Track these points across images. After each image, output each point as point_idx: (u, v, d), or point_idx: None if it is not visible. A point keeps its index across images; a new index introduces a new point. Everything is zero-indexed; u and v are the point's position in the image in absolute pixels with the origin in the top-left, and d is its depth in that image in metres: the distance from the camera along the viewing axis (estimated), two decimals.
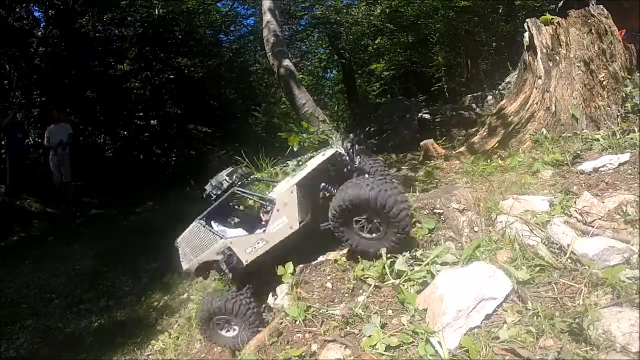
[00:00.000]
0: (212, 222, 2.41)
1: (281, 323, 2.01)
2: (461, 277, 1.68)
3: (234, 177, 2.47)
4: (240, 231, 2.42)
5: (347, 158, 2.44)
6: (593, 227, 1.97)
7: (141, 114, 12.29)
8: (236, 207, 2.68)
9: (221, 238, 2.24)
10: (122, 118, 11.68)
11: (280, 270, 2.26)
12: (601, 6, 3.84)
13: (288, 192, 2.16)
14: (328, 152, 2.36)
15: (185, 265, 2.44)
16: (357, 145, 2.57)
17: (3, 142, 8.83)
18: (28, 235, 6.92)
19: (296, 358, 1.72)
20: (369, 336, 1.64)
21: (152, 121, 12.55)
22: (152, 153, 12.14)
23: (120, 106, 11.30)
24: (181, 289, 4.62)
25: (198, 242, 2.31)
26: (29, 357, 3.64)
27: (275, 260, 2.27)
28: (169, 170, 11.51)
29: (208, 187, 2.47)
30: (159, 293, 4.58)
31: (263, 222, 2.31)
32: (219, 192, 2.42)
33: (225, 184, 2.41)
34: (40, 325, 4.05)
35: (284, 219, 2.16)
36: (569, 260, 1.77)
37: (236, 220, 2.54)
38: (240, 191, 2.39)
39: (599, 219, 2.07)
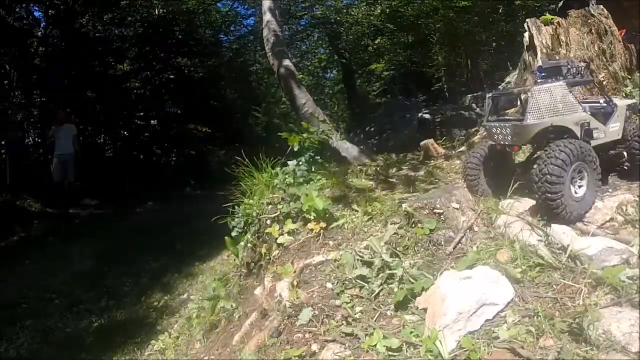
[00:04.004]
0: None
1: (281, 323, 2.00)
2: (465, 280, 1.67)
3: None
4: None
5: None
6: (593, 227, 1.97)
7: (141, 114, 12.27)
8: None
9: (583, 110, 2.32)
10: (122, 118, 11.65)
11: (280, 269, 2.24)
12: (601, 6, 3.85)
13: (624, 107, 2.54)
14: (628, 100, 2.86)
15: (532, 120, 2.31)
16: None
17: (3, 142, 8.83)
18: (28, 235, 6.90)
19: (296, 358, 1.71)
20: (369, 336, 1.64)
21: (152, 121, 12.53)
22: (152, 153, 12.11)
23: (120, 106, 11.27)
24: (181, 289, 4.61)
25: (559, 104, 2.27)
26: (29, 357, 3.63)
27: None
28: (169, 170, 11.49)
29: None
30: (159, 293, 4.57)
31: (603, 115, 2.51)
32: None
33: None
34: (40, 325, 4.04)
35: (617, 125, 2.47)
36: (569, 260, 1.77)
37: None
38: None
39: (599, 219, 2.07)
